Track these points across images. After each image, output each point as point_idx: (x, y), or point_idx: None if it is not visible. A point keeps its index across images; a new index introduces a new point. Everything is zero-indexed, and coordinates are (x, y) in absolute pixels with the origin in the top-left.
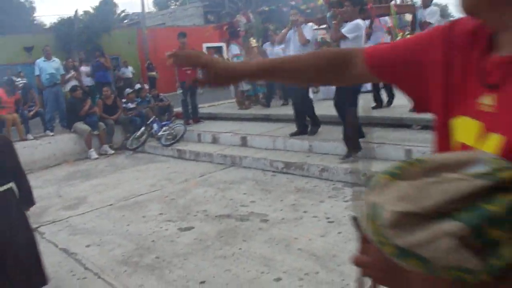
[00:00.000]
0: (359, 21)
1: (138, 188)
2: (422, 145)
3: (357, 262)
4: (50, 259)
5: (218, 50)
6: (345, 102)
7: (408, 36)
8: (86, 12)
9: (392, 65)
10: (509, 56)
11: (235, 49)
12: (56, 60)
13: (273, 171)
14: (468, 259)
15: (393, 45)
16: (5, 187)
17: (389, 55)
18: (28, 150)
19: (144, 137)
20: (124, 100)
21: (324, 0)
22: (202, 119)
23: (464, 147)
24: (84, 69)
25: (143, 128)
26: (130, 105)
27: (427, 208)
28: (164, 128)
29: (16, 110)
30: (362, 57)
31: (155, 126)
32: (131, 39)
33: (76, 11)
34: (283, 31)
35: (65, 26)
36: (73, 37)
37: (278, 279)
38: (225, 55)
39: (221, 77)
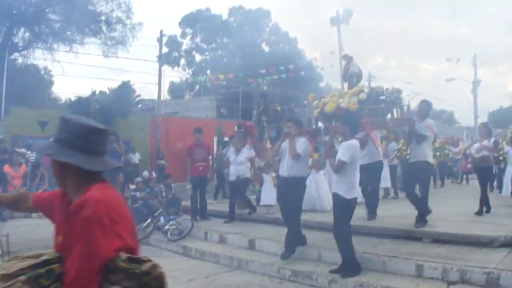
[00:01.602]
0: (353, 141)
1: None
2: (432, 260)
3: None
4: None
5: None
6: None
7: (403, 146)
8: (102, 93)
9: (43, 206)
10: (66, 207)
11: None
12: None
13: (280, 278)
14: None
15: (48, 194)
16: None
17: (43, 200)
18: (29, 228)
19: (149, 229)
20: (133, 187)
21: (318, 112)
22: (210, 216)
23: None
24: None
25: (149, 220)
26: (138, 194)
27: (11, 272)
28: (171, 222)
29: (24, 184)
30: (31, 200)
31: (161, 219)
32: (144, 125)
33: (93, 91)
34: (277, 143)
35: (81, 104)
36: (89, 116)
37: None
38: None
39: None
